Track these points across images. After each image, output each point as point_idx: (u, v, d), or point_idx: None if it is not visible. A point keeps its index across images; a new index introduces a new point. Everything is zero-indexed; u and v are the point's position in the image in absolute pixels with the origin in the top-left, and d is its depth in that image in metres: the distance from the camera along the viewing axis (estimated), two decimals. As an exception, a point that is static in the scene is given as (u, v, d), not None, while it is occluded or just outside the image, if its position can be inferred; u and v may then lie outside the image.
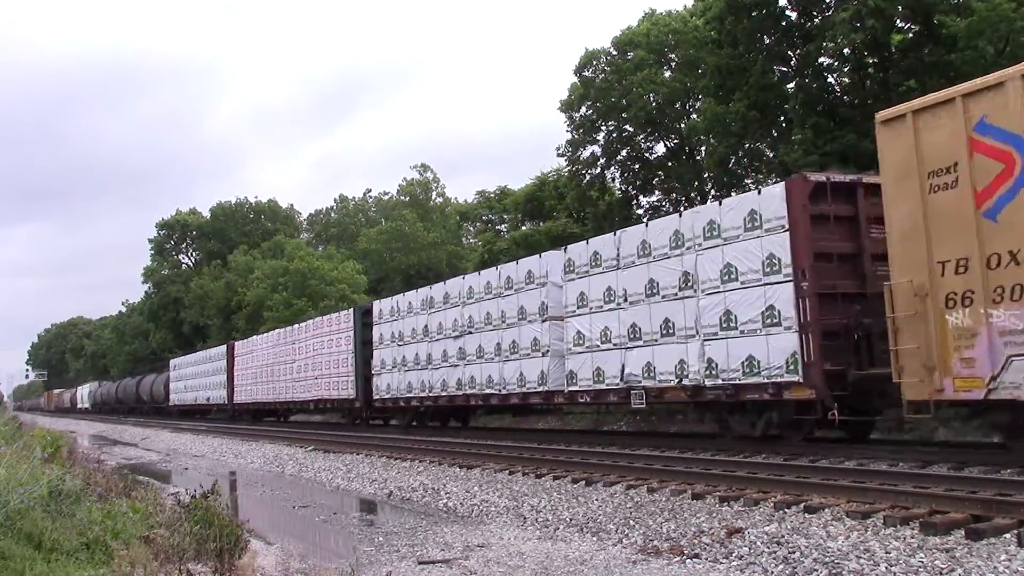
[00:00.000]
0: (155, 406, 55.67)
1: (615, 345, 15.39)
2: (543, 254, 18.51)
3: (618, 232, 15.84)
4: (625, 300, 15.19)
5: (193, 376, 47.36)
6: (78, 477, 10.90)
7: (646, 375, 14.69)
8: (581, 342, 16.26)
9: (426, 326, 22.54)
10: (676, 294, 14.08)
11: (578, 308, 16.43)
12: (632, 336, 15.01)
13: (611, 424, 22.80)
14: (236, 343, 41.33)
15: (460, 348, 20.67)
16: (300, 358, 31.40)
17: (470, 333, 20.30)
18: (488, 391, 19.55)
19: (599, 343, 15.77)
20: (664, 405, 17.80)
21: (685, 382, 13.85)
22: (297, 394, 31.71)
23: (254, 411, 38.90)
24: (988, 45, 17.49)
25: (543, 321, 17.52)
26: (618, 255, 15.49)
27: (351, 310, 28.11)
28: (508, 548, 8.60)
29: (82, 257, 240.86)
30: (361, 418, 28.11)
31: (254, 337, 39.15)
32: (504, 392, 18.97)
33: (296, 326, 33.27)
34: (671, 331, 14.16)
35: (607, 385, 15.57)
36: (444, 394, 21.47)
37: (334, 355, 28.21)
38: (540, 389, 17.55)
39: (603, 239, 16.35)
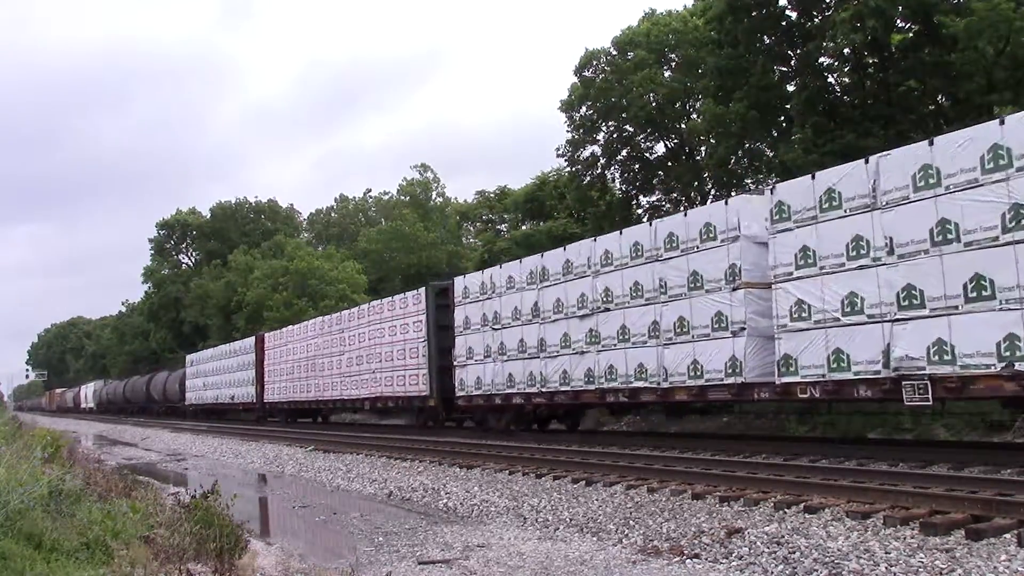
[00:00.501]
0: (168, 406, 52.28)
1: (871, 317, 11.16)
2: (730, 200, 13.89)
3: (873, 157, 11.44)
4: (890, 252, 10.94)
5: (214, 372, 42.75)
6: (78, 477, 10.90)
7: (936, 357, 10.42)
8: (805, 315, 11.93)
9: (536, 304, 18.11)
10: (996, 239, 9.78)
11: (797, 268, 12.07)
12: (906, 303, 10.75)
13: (611, 424, 22.80)
14: (266, 334, 36.75)
15: (590, 330, 16.33)
16: (351, 349, 27.07)
17: (607, 310, 15.92)
18: (638, 384, 15.06)
19: (839, 315, 11.46)
20: (964, 401, 13.09)
21: (1021, 366, 9.57)
22: (347, 391, 27.45)
23: (289, 411, 34.71)
24: (988, 45, 17.53)
25: (733, 289, 13.19)
26: (874, 189, 11.18)
27: (422, 290, 23.52)
28: (508, 548, 8.60)
29: (82, 257, 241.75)
30: (436, 419, 23.65)
31: (289, 327, 34.74)
32: (666, 385, 14.47)
33: (346, 312, 28.87)
34: (985, 293, 9.90)
35: (855, 374, 11.27)
36: (566, 389, 17.07)
37: (399, 344, 23.90)
38: (730, 381, 13.15)
39: (845, 169, 11.76)
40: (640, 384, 15.08)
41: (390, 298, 25.68)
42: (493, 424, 20.98)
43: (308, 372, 30.91)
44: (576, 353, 16.79)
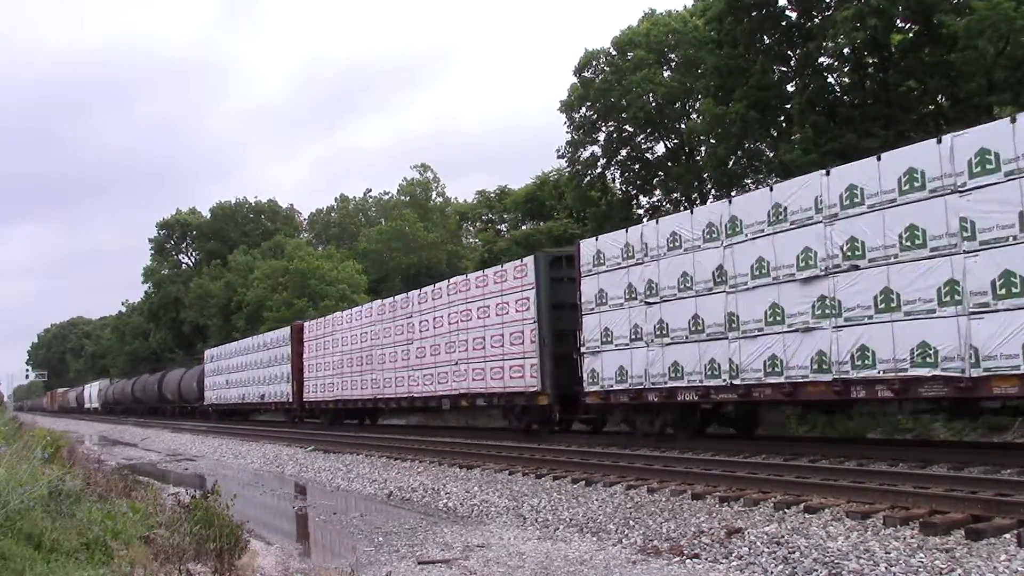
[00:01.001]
0: (184, 406, 48.11)
1: None
2: None
3: None
4: None
5: (240, 368, 37.65)
6: (78, 477, 10.90)
7: None
8: None
9: (720, 267, 13.56)
10: None
11: None
12: None
13: (610, 424, 22.77)
14: (305, 323, 32.37)
15: (822, 297, 11.83)
16: (423, 337, 22.67)
17: (853, 268, 11.43)
18: (916, 372, 10.56)
19: None
20: None
21: None
22: (416, 387, 22.95)
23: (336, 411, 30.07)
24: (988, 45, 17.51)
25: None
26: None
27: (528, 259, 18.85)
28: (508, 548, 8.60)
29: (82, 257, 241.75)
30: (546, 421, 18.85)
31: (337, 314, 30.29)
32: (976, 374, 9.91)
33: (413, 293, 24.02)
34: None
35: None
36: (775, 380, 12.55)
37: (494, 328, 19.42)
38: None
39: None
40: (920, 372, 10.55)
41: (480, 272, 20.92)
42: (644, 428, 16.13)
43: (362, 366, 26.45)
44: (794, 331, 12.28)
